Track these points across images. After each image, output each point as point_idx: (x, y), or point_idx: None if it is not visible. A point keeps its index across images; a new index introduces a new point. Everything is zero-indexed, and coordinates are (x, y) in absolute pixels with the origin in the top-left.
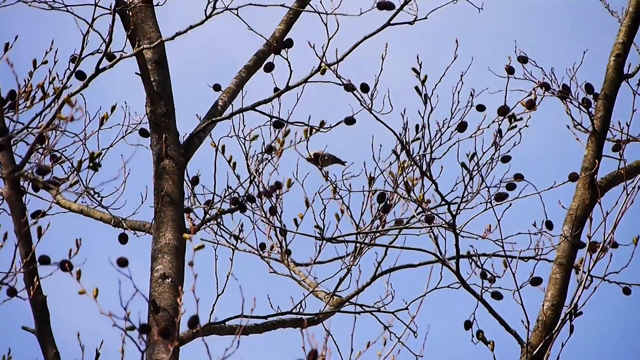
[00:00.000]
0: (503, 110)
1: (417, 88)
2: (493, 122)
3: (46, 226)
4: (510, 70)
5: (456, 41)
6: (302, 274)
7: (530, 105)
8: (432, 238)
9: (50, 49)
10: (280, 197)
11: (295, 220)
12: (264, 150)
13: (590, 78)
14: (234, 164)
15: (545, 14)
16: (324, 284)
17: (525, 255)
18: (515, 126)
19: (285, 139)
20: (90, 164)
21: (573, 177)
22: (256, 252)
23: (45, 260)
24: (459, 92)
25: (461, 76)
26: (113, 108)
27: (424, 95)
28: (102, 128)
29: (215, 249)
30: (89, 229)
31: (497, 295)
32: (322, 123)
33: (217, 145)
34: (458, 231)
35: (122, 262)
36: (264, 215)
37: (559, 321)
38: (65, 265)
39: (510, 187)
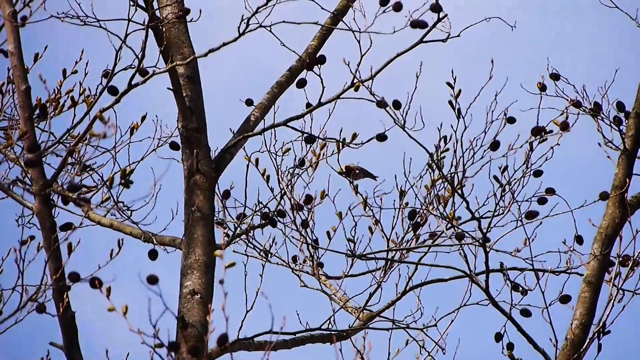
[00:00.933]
0: (536, 131)
1: (450, 102)
2: (526, 142)
3: (77, 242)
4: (542, 88)
5: (492, 61)
6: (333, 288)
7: (564, 126)
8: (462, 256)
9: (81, 58)
10: (312, 210)
11: (327, 233)
12: (296, 164)
13: (622, 96)
14: (268, 176)
15: (577, 32)
16: (354, 298)
17: (557, 270)
18: (546, 139)
19: (320, 154)
20: (122, 181)
21: (604, 196)
22: (287, 265)
23: (75, 277)
24: (492, 111)
25: (495, 96)
26: (143, 118)
27: (457, 110)
28: (133, 141)
29: (245, 264)
30: (114, 241)
31: (525, 313)
32: (355, 136)
33: (249, 158)
34: (488, 249)
35: (152, 280)
36: (295, 228)
37: (587, 340)
38: (95, 283)
39: (542, 201)
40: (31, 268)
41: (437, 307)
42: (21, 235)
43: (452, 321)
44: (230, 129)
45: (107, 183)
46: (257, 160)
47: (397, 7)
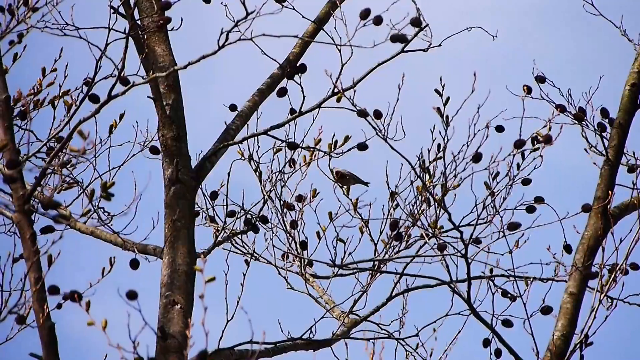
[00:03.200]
0: (519, 144)
1: (438, 109)
2: (509, 155)
3: (57, 253)
4: (528, 90)
5: (474, 74)
6: (320, 290)
7: (548, 140)
8: (444, 266)
9: (60, 56)
10: (302, 210)
11: (317, 233)
12: (285, 165)
13: (606, 103)
14: (260, 173)
15: (561, 38)
16: (339, 305)
17: (544, 277)
18: (538, 148)
19: (311, 158)
20: (103, 194)
21: (586, 209)
22: (274, 265)
23: (54, 290)
24: (475, 124)
25: (478, 108)
26: (121, 116)
27: (445, 117)
28: (113, 145)
29: (227, 273)
30: (99, 250)
31: (507, 323)
32: (336, 143)
33: (242, 153)
34: (470, 260)
35: (132, 295)
36: (283, 228)
37: (569, 351)
38: (75, 296)
39: (530, 210)
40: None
41: (421, 316)
42: None
43: (434, 329)
44: (211, 138)
45: (87, 195)
46: (250, 156)
47: (378, 21)
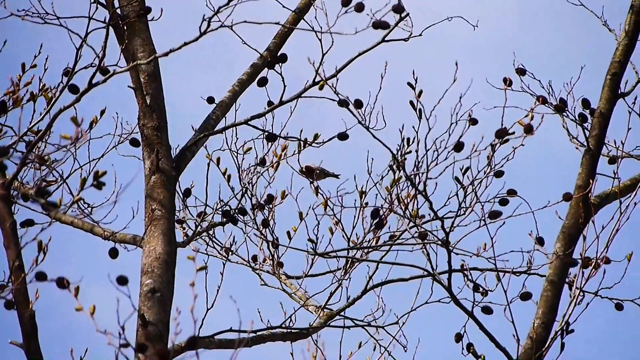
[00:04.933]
0: (500, 133)
1: (411, 102)
2: (490, 144)
3: (47, 240)
4: (509, 83)
5: (456, 64)
6: (294, 287)
7: (529, 129)
8: (425, 254)
9: (40, 52)
10: (273, 209)
11: (288, 232)
12: (257, 163)
13: (587, 93)
14: (229, 176)
15: (542, 30)
16: (314, 297)
17: (517, 270)
18: (508, 140)
19: (281, 154)
20: (95, 182)
21: (567, 197)
22: (247, 264)
23: (42, 276)
24: (457, 113)
25: (460, 98)
26: (102, 112)
27: (419, 110)
28: (93, 137)
29: (206, 263)
30: (81, 240)
31: (487, 310)
32: (316, 136)
33: (211, 157)
34: (451, 248)
35: (122, 281)
36: (256, 227)
37: (549, 339)
38: (63, 283)
39: (503, 202)
40: None
41: (399, 305)
42: None
43: (408, 314)
44: (193, 127)
45: (79, 185)
46: (218, 159)
47: (359, 8)
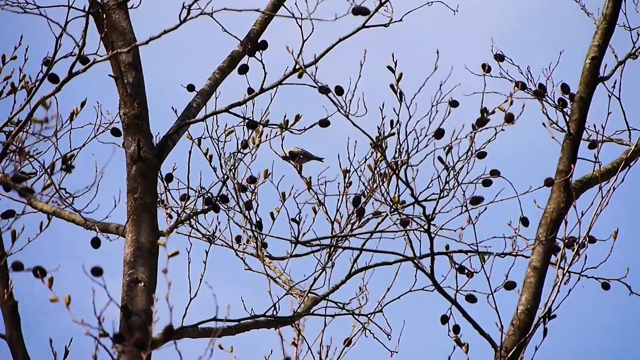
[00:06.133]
0: (480, 122)
1: (392, 86)
2: (470, 132)
3: (20, 229)
4: (487, 69)
5: (437, 52)
6: (278, 271)
7: (509, 118)
8: (407, 241)
9: (20, 44)
10: (256, 191)
11: (271, 214)
12: (239, 147)
13: (567, 78)
14: (210, 156)
15: (520, 14)
16: (299, 283)
17: (504, 252)
18: (491, 119)
19: (260, 138)
20: (64, 166)
21: (549, 183)
22: (231, 247)
23: (18, 266)
24: (437, 102)
25: (440, 85)
26: (83, 104)
27: (399, 93)
28: (74, 127)
29: (189, 251)
30: (62, 230)
31: (471, 299)
32: (297, 117)
33: (192, 137)
34: (433, 235)
35: (97, 272)
36: (239, 210)
37: (533, 325)
38: (38, 272)
39: (487, 183)
40: None
41: (382, 292)
42: None
43: (388, 302)
44: (173, 108)
45: (49, 170)
46: (199, 140)
47: None
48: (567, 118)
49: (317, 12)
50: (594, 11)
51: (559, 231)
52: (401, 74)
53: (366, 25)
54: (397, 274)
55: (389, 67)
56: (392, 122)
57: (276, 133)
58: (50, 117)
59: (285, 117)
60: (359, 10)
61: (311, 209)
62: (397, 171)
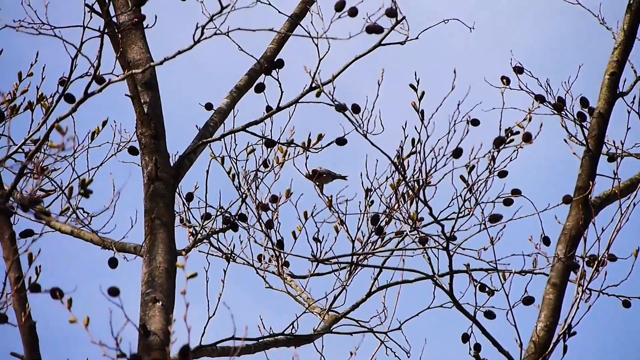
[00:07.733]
0: (499, 141)
1: (413, 104)
2: (489, 152)
3: (37, 252)
4: (507, 81)
5: (454, 71)
6: (299, 288)
7: (527, 138)
8: (426, 259)
9: (36, 61)
10: (277, 209)
11: (293, 232)
12: (258, 166)
13: (586, 91)
14: (233, 175)
15: (540, 28)
16: (319, 301)
17: (523, 270)
18: (513, 140)
19: (285, 158)
20: (81, 191)
21: (567, 200)
22: (252, 266)
23: (35, 288)
24: (455, 120)
25: (458, 105)
26: (104, 123)
27: (421, 112)
28: (92, 146)
29: (207, 270)
30: (79, 249)
31: (489, 315)
32: (320, 136)
33: (215, 155)
34: (452, 252)
35: (114, 292)
36: (260, 229)
37: (552, 342)
38: (56, 294)
39: (508, 202)
40: None
41: (402, 310)
42: None
43: (407, 319)
44: (197, 127)
45: (66, 192)
46: (222, 159)
47: (353, 13)
48: (586, 133)
49: (335, 30)
50: (612, 25)
51: (578, 248)
52: (423, 92)
53: (382, 43)
54: (424, 294)
55: (412, 86)
56: (413, 140)
57: (298, 152)
58: (67, 140)
59: (309, 135)
60: (372, 29)
61: (333, 228)
62: (416, 193)
